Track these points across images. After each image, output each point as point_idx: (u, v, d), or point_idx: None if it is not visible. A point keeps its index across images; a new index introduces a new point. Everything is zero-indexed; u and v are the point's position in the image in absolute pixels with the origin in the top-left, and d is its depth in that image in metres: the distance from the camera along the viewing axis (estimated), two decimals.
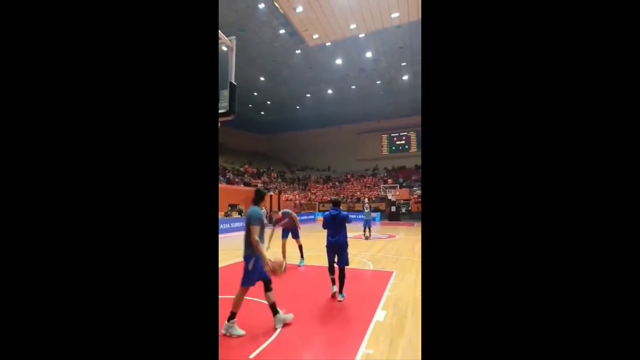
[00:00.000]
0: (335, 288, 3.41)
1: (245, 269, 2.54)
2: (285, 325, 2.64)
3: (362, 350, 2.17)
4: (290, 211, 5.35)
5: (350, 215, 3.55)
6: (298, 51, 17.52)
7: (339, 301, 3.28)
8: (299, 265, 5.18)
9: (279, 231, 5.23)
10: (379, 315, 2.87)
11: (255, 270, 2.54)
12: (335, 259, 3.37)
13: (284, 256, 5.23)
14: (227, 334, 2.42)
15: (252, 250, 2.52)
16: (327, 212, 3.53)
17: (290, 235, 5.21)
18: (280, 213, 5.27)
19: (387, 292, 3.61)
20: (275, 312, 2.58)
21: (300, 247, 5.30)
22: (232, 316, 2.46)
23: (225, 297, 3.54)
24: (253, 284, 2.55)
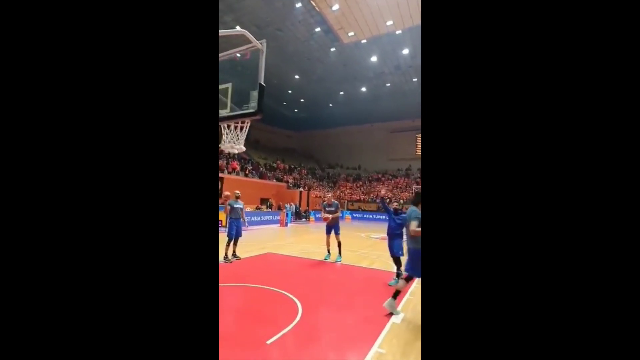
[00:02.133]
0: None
1: (411, 260, 2.92)
2: (304, 316, 2.75)
3: (375, 348, 2.20)
4: (337, 203, 5.57)
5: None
6: (333, 49, 17.52)
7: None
8: (336, 262, 5.30)
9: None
10: (397, 317, 2.85)
11: (419, 261, 2.97)
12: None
13: (329, 250, 5.39)
14: (389, 310, 2.94)
15: (415, 244, 2.89)
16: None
17: (333, 231, 5.36)
18: (325, 206, 5.48)
19: (407, 295, 3.56)
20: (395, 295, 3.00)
21: (339, 244, 5.37)
22: (397, 294, 2.99)
23: (253, 285, 3.75)
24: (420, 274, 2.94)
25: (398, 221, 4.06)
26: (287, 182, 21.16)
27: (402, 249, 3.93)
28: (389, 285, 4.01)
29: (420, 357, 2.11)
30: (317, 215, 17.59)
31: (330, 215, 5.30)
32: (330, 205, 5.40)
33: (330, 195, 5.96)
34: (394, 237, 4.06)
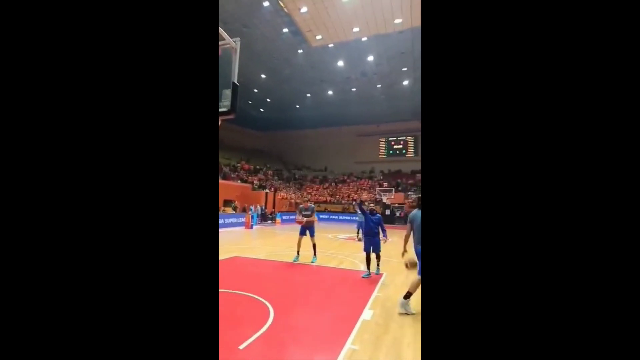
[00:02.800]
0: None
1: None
2: (277, 319, 2.72)
3: (348, 345, 2.26)
4: (313, 207, 5.73)
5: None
6: (300, 50, 17.56)
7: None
8: (312, 262, 5.41)
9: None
10: (367, 314, 2.96)
11: None
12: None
13: (298, 252, 5.49)
14: (403, 311, 3.00)
15: None
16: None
17: (308, 233, 5.47)
18: (302, 210, 5.60)
19: (375, 293, 3.71)
20: (407, 296, 3.07)
21: (314, 246, 5.53)
22: (408, 295, 3.03)
23: (222, 290, 3.61)
24: None
25: (375, 220, 4.55)
26: (252, 183, 20.63)
27: (380, 246, 4.57)
28: (362, 277, 4.48)
29: (390, 350, 2.23)
30: (284, 217, 17.43)
31: (305, 219, 5.45)
32: (306, 209, 5.56)
33: (307, 200, 6.25)
34: (373, 235, 4.53)
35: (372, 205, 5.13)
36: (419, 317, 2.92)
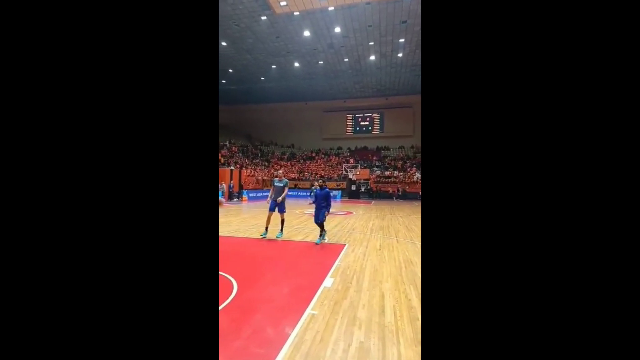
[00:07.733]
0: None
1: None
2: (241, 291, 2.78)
3: (308, 311, 2.41)
4: (287, 181, 5.79)
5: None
6: (264, 17, 16.38)
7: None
8: (277, 237, 5.49)
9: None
10: (327, 282, 3.15)
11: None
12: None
13: (267, 228, 5.52)
14: None
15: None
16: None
17: (277, 209, 5.49)
18: (275, 181, 5.66)
19: (337, 262, 3.92)
20: None
21: (282, 221, 5.60)
22: None
23: None
24: None
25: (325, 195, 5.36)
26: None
27: (325, 216, 5.25)
28: (316, 244, 5.08)
29: (346, 312, 2.42)
30: (251, 195, 17.17)
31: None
32: (280, 181, 5.60)
33: (281, 172, 6.24)
34: (320, 208, 5.32)
35: (320, 181, 5.82)
36: (376, 282, 3.18)
